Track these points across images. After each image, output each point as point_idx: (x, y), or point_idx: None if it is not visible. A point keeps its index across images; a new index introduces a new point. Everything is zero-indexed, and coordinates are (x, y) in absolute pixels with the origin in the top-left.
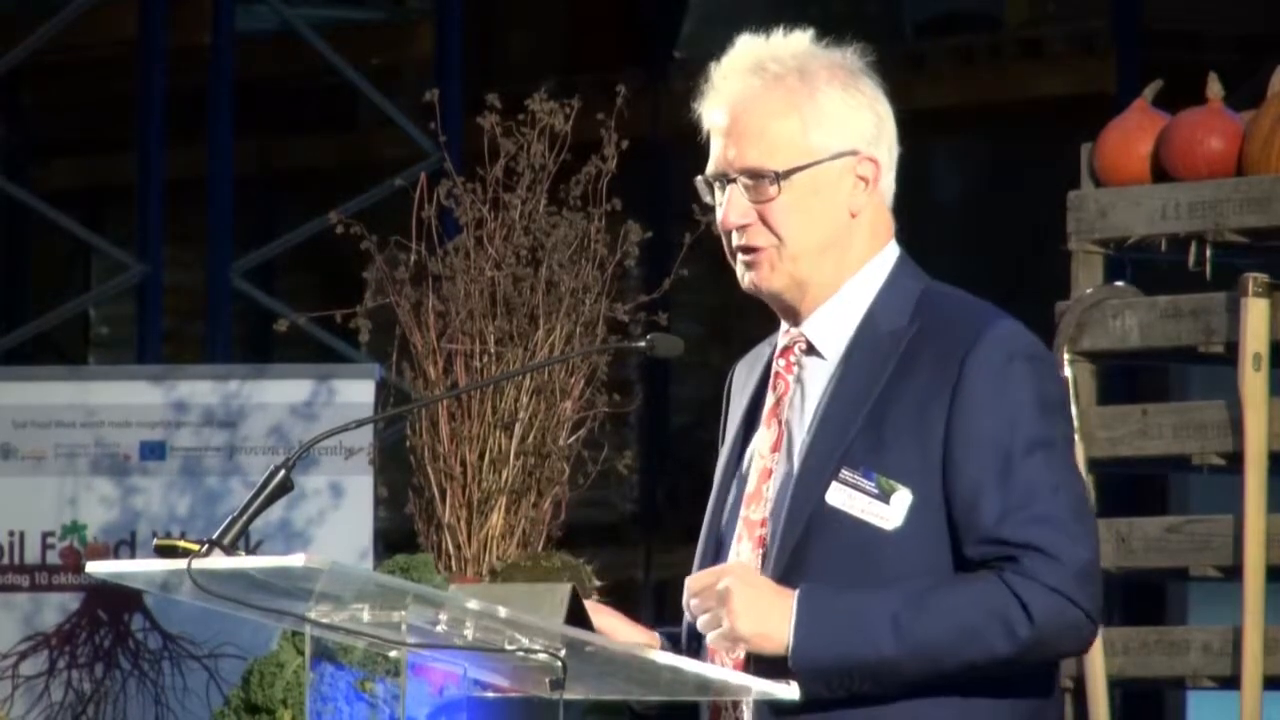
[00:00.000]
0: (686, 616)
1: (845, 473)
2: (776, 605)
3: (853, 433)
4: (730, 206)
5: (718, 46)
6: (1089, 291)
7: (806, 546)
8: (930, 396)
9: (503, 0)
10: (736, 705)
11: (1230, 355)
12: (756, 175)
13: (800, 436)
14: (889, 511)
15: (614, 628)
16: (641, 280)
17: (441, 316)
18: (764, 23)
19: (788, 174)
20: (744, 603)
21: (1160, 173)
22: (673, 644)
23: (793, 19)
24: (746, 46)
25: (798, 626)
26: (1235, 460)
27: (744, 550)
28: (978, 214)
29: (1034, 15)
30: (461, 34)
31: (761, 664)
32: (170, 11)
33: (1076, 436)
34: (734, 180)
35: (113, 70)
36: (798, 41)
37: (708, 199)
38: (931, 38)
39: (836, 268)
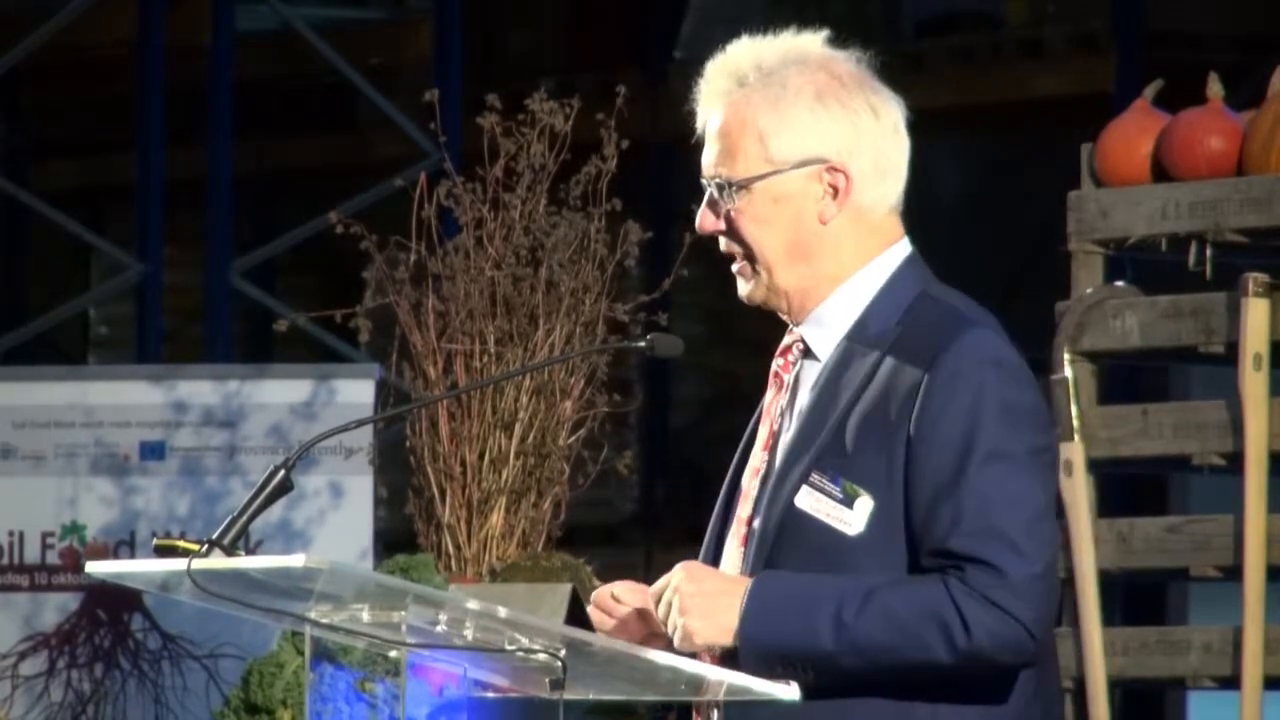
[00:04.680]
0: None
1: (815, 476)
2: (725, 596)
3: (824, 436)
4: (703, 213)
5: (717, 47)
6: (1089, 291)
7: (779, 548)
8: (897, 403)
9: (503, 0)
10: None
11: (1230, 355)
12: (721, 184)
13: (787, 437)
14: (852, 517)
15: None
16: (641, 280)
17: (441, 316)
18: (763, 23)
19: (747, 183)
20: (692, 602)
21: (1160, 173)
22: None
23: (792, 19)
24: (733, 51)
25: (745, 611)
26: (1235, 460)
27: (731, 548)
28: (978, 214)
29: (1034, 15)
30: (461, 34)
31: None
32: (170, 11)
33: (1077, 438)
34: (709, 186)
35: (113, 70)
36: (788, 45)
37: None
38: (931, 38)
39: (813, 275)
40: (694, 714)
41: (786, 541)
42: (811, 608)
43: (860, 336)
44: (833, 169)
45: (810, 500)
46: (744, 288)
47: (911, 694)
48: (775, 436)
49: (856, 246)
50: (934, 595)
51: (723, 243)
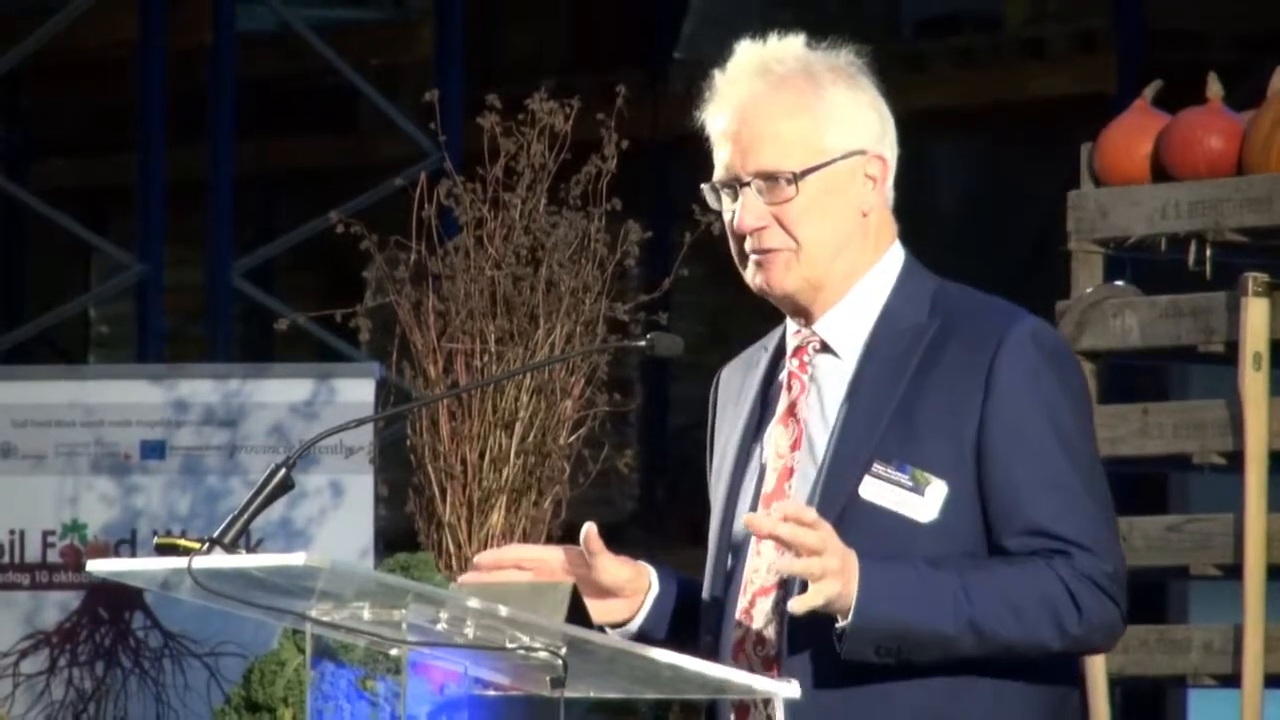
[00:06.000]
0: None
1: (878, 466)
2: (850, 562)
3: (883, 426)
4: (745, 210)
5: (717, 47)
6: (1089, 291)
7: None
8: (961, 390)
9: (503, 0)
10: (769, 701)
11: (1230, 355)
12: (771, 177)
13: (820, 434)
14: (924, 504)
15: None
16: (641, 280)
17: (441, 316)
18: (762, 25)
19: (803, 174)
20: (838, 550)
21: (1160, 173)
22: (668, 583)
23: (791, 20)
24: (748, 50)
25: (863, 586)
26: (1235, 459)
27: (763, 549)
28: (978, 214)
29: (1034, 15)
30: (461, 34)
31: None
32: (170, 11)
33: None
34: (747, 184)
35: (113, 70)
36: (795, 44)
37: (715, 206)
38: (931, 38)
39: (849, 268)
40: (731, 713)
41: (850, 534)
42: (927, 587)
43: (890, 330)
44: (874, 158)
45: (876, 490)
46: (773, 278)
47: (997, 678)
48: (808, 436)
49: (876, 240)
50: (1045, 578)
51: (759, 238)
